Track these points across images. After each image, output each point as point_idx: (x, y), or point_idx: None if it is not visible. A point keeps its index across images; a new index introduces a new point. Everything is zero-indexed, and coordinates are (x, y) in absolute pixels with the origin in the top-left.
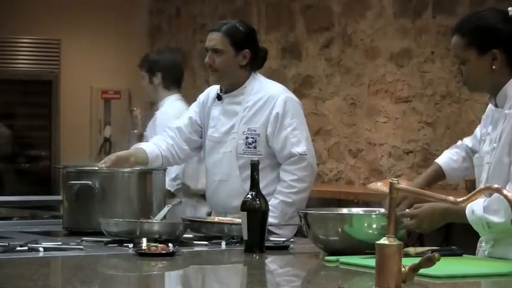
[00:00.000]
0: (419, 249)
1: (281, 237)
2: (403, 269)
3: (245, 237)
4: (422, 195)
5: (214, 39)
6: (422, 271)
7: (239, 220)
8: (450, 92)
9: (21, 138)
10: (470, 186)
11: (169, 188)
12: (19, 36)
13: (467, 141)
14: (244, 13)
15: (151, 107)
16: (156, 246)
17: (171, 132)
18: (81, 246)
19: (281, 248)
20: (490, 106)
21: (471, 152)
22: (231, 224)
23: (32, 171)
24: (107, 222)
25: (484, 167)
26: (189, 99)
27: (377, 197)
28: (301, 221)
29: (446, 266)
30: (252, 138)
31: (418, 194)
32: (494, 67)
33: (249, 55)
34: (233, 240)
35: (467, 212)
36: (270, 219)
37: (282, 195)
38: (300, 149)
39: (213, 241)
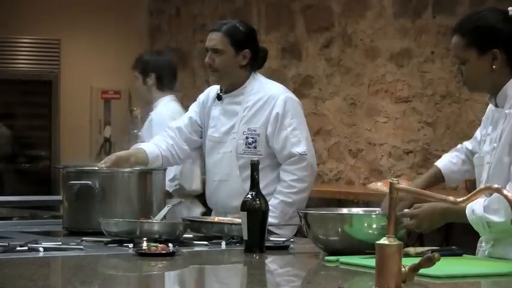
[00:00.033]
0: (419, 249)
1: (281, 237)
2: (403, 269)
3: (245, 237)
4: (422, 195)
5: (214, 39)
6: (422, 271)
7: (239, 220)
8: (450, 92)
9: (21, 138)
10: (470, 186)
11: (167, 189)
12: (19, 36)
13: (467, 144)
14: (244, 13)
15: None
16: (156, 246)
17: (171, 132)
18: (81, 246)
19: (281, 248)
20: (490, 107)
21: (471, 155)
22: (231, 224)
23: (32, 171)
24: (107, 222)
25: (484, 166)
26: (189, 99)
27: (377, 197)
28: (301, 221)
29: (446, 266)
30: (252, 138)
31: (418, 194)
32: (494, 67)
33: (249, 55)
34: (233, 240)
35: (468, 211)
36: (270, 219)
37: (282, 195)
38: (300, 149)
39: (213, 241)
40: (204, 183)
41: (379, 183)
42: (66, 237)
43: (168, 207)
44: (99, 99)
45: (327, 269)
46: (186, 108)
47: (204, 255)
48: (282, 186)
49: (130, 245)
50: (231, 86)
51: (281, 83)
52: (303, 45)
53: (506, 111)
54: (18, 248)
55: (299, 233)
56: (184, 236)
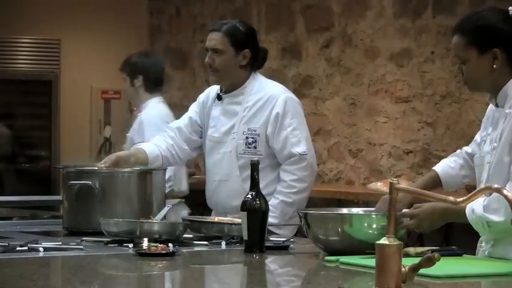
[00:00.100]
0: (419, 249)
1: (281, 237)
2: (403, 269)
3: (245, 237)
4: (422, 195)
5: (214, 39)
6: (422, 271)
7: (239, 220)
8: (450, 92)
9: (21, 138)
10: (470, 187)
11: None
12: (19, 36)
13: (466, 148)
14: (244, 13)
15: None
16: (156, 246)
17: (171, 132)
18: (81, 246)
19: (281, 248)
20: (490, 108)
21: (471, 158)
22: (231, 224)
23: (32, 171)
24: (107, 222)
25: (484, 166)
26: (189, 99)
27: (377, 197)
28: (301, 221)
29: (446, 266)
30: (252, 138)
31: (418, 194)
32: (494, 66)
33: (249, 55)
34: (233, 240)
35: (467, 211)
36: (270, 219)
37: (282, 195)
38: (300, 149)
39: (213, 241)
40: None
41: (379, 183)
42: (66, 237)
43: (168, 207)
44: (99, 99)
45: (327, 269)
46: (185, 108)
47: (204, 255)
48: (282, 186)
49: (130, 245)
50: (231, 86)
51: (281, 83)
52: (303, 45)
53: (507, 110)
54: (18, 248)
55: (299, 233)
56: (184, 236)
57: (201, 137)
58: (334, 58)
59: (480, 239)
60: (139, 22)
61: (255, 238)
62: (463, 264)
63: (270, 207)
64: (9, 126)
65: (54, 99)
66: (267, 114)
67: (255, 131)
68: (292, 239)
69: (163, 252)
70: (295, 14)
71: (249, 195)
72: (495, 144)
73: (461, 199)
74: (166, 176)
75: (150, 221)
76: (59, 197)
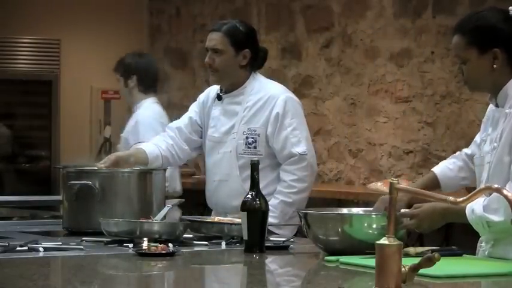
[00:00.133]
0: (419, 249)
1: (281, 237)
2: (403, 269)
3: (245, 237)
4: (422, 195)
5: (214, 39)
6: (422, 271)
7: (239, 220)
8: (450, 92)
9: (21, 138)
10: (470, 187)
11: None
12: (19, 36)
13: (466, 150)
14: (244, 13)
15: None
16: (156, 246)
17: (171, 132)
18: (81, 246)
19: (281, 248)
20: (489, 109)
21: (470, 160)
22: (231, 224)
23: (32, 171)
24: (107, 222)
25: (484, 166)
26: (189, 99)
27: (377, 197)
28: (301, 221)
29: (446, 266)
30: (252, 138)
31: (418, 194)
32: (495, 66)
33: (249, 55)
34: (233, 240)
35: (467, 211)
36: (270, 219)
37: (282, 195)
38: (300, 149)
39: (213, 241)
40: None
41: (379, 183)
42: (66, 237)
43: (168, 207)
44: (99, 99)
45: (327, 269)
46: (185, 108)
47: (204, 255)
48: (282, 186)
49: (130, 245)
50: (231, 86)
51: (281, 83)
52: (303, 45)
53: (507, 110)
54: (18, 248)
55: (299, 233)
56: (184, 236)
57: (201, 137)
58: (334, 58)
59: (480, 239)
60: (139, 22)
61: (255, 238)
62: (463, 264)
63: (270, 207)
64: (9, 126)
65: (54, 99)
66: (267, 114)
67: (255, 131)
68: (292, 239)
69: (163, 252)
70: (295, 14)
71: (249, 195)
72: (495, 144)
73: (461, 199)
74: None
75: (150, 221)
76: (59, 197)
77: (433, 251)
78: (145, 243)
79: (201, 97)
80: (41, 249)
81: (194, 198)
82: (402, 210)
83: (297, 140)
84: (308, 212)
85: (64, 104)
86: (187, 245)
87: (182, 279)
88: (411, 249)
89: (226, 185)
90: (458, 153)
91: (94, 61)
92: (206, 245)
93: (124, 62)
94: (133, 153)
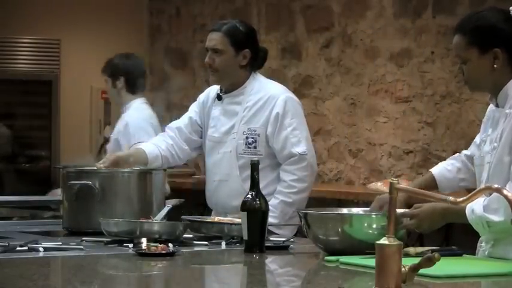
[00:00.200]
0: (419, 249)
1: (281, 237)
2: (403, 269)
3: (245, 237)
4: (422, 195)
5: (214, 39)
6: (422, 271)
7: (239, 220)
8: (450, 92)
9: (21, 138)
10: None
11: None
12: (19, 36)
13: (465, 151)
14: (244, 13)
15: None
16: (156, 246)
17: (171, 132)
18: (81, 246)
19: (281, 248)
20: (489, 109)
21: (470, 161)
22: (231, 224)
23: (32, 171)
24: (107, 222)
25: (484, 166)
26: (189, 99)
27: None
28: (301, 221)
29: (446, 266)
30: (252, 138)
31: (418, 194)
32: (495, 66)
33: (249, 55)
34: (233, 240)
35: (467, 211)
36: (270, 219)
37: (282, 195)
38: (300, 149)
39: (213, 241)
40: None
41: (379, 183)
42: (66, 237)
43: (168, 207)
44: (99, 99)
45: (327, 269)
46: (185, 108)
47: (204, 255)
48: (282, 186)
49: (130, 245)
50: (231, 86)
51: (281, 83)
52: (303, 45)
53: (507, 111)
54: (18, 248)
55: (299, 233)
56: (184, 236)
57: (201, 137)
58: (334, 58)
59: (480, 239)
60: (139, 22)
61: (255, 238)
62: (463, 264)
63: (270, 207)
64: (9, 126)
65: (54, 99)
66: (267, 114)
67: (255, 131)
68: (292, 239)
69: (163, 252)
70: (295, 14)
71: (249, 195)
72: (495, 144)
73: (461, 199)
74: None
75: (150, 221)
76: (59, 197)
77: (433, 251)
78: (144, 243)
79: (201, 97)
80: (41, 249)
81: (194, 198)
82: (402, 210)
83: (297, 140)
84: (308, 212)
85: (64, 104)
86: (187, 245)
87: (182, 279)
88: (411, 249)
89: (226, 185)
90: (457, 154)
91: (94, 61)
92: (206, 245)
93: (111, 63)
94: (133, 153)
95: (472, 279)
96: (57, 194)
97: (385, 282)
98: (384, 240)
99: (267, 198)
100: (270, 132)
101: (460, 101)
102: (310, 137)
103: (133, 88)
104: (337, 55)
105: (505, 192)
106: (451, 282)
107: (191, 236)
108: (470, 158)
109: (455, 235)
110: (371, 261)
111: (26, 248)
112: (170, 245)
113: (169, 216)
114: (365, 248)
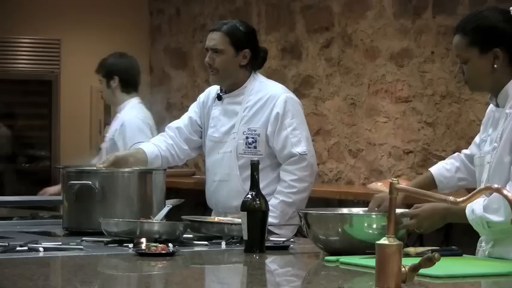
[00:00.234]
0: (419, 249)
1: (281, 237)
2: (403, 269)
3: (245, 237)
4: (422, 195)
5: (214, 39)
6: (422, 271)
7: (239, 220)
8: (450, 92)
9: (21, 138)
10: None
11: None
12: (19, 36)
13: (465, 151)
14: (244, 13)
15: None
16: (156, 246)
17: (171, 132)
18: (81, 246)
19: (281, 248)
20: (490, 109)
21: (469, 160)
22: (231, 224)
23: (32, 171)
24: (107, 222)
25: (484, 166)
26: (189, 99)
27: None
28: (301, 221)
29: (446, 266)
30: (252, 138)
31: (418, 194)
32: (495, 66)
33: (249, 55)
34: (233, 240)
35: (467, 211)
36: (270, 219)
37: (282, 195)
38: (300, 149)
39: (213, 241)
40: None
41: (379, 183)
42: (66, 237)
43: (168, 207)
44: (99, 99)
45: (327, 269)
46: (185, 108)
47: (204, 255)
48: (282, 186)
49: (130, 245)
50: (231, 86)
51: (281, 83)
52: (303, 45)
53: (507, 111)
54: (18, 248)
55: (299, 233)
56: (184, 236)
57: (201, 137)
58: (334, 58)
59: (480, 239)
60: (139, 22)
61: (255, 238)
62: (463, 264)
63: (270, 207)
64: (9, 126)
65: (54, 99)
66: (267, 114)
67: (255, 131)
68: (292, 239)
69: (163, 252)
70: (295, 14)
71: (249, 195)
72: (495, 144)
73: (461, 199)
74: None
75: (150, 221)
76: (59, 197)
77: (433, 251)
78: (144, 243)
79: (201, 97)
80: (41, 249)
81: (194, 198)
82: (402, 210)
83: (297, 140)
84: (308, 212)
85: (64, 104)
86: (187, 245)
87: (182, 279)
88: (411, 249)
89: (226, 185)
90: (456, 154)
91: (94, 61)
92: (206, 245)
93: (105, 63)
94: (133, 153)
95: (472, 279)
96: (47, 192)
97: (385, 282)
98: (383, 240)
99: (267, 198)
100: (270, 132)
101: (460, 101)
102: (310, 137)
103: (128, 88)
104: (337, 55)
105: (505, 192)
106: (451, 282)
107: (191, 236)
108: (470, 157)
109: (455, 235)
110: (371, 261)
111: (26, 248)
112: (170, 245)
113: (169, 216)
114: (365, 248)
